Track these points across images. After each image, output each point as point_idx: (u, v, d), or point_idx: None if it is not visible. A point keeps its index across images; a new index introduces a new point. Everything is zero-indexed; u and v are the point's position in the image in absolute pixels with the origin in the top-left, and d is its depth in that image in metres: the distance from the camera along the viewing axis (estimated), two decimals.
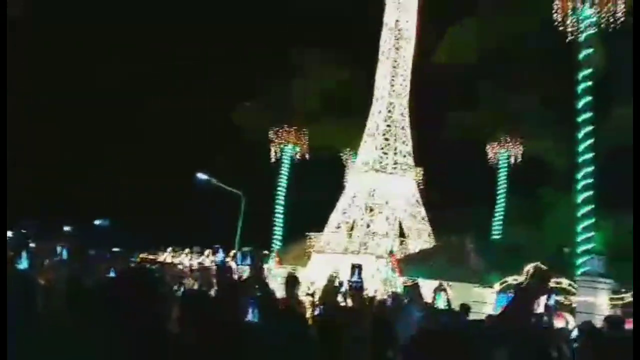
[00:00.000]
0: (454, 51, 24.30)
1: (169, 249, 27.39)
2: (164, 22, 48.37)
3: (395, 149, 34.67)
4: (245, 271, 6.07)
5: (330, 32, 38.55)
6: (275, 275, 22.17)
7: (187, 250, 26.28)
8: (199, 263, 21.34)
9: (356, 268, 6.40)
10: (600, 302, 17.81)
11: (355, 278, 6.34)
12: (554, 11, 20.50)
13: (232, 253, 15.97)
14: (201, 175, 46.77)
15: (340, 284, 9.54)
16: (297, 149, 38.80)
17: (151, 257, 27.09)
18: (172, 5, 49.71)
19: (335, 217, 34.40)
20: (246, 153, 39.73)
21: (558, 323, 9.25)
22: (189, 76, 47.39)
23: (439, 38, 31.67)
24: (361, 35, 36.34)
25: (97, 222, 39.17)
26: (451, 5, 30.08)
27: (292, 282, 7.37)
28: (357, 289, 6.40)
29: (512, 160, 35.10)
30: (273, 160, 39.40)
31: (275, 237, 38.99)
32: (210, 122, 41.72)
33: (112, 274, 6.91)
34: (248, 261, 5.66)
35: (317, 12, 46.19)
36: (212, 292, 6.15)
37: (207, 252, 23.00)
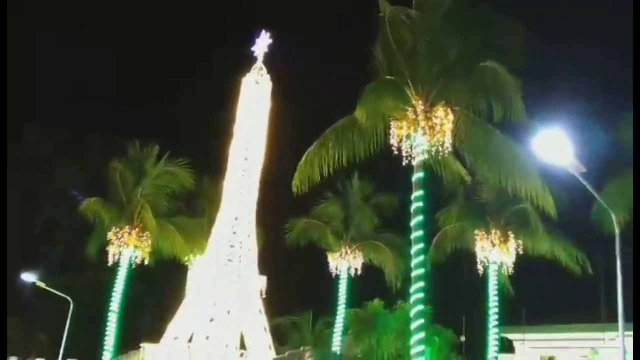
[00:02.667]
0: (304, 174, 24.93)
1: None
2: None
3: (240, 256, 34.36)
4: None
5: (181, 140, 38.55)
6: None
7: None
8: None
9: None
10: None
11: None
12: (391, 137, 22.10)
13: None
14: (27, 277, 42.63)
15: None
16: (138, 252, 36.79)
17: None
18: None
19: (173, 327, 32.65)
20: (78, 252, 37.04)
21: None
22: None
23: (289, 158, 32.95)
24: (211, 145, 36.79)
25: None
26: (299, 135, 31.60)
27: None
28: None
29: (353, 271, 36.04)
30: (110, 263, 36.89)
31: (105, 347, 35.81)
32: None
33: None
34: None
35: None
36: None
37: None
